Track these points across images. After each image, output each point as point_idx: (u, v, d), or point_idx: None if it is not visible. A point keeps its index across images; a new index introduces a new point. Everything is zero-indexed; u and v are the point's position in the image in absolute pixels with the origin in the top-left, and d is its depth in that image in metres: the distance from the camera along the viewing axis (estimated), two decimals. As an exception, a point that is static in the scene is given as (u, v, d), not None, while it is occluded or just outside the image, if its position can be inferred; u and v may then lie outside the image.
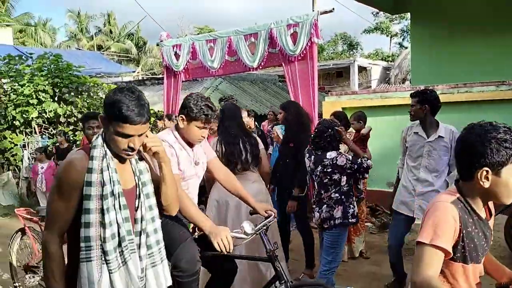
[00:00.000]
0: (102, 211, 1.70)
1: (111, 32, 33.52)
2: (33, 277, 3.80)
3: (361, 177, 3.43)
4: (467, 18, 7.81)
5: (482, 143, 1.48)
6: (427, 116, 3.40)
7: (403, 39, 30.24)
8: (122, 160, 1.83)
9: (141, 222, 1.82)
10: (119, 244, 1.74)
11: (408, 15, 10.07)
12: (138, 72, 21.68)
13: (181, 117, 2.57)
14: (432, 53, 8.48)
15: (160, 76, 16.33)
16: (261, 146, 3.77)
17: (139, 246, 1.82)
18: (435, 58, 8.36)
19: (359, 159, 3.25)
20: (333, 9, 6.56)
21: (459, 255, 1.59)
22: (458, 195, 1.60)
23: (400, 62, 18.95)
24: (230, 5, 60.33)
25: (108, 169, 1.73)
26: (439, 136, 3.37)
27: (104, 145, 1.77)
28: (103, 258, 1.70)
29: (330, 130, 3.31)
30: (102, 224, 1.70)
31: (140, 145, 1.76)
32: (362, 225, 4.82)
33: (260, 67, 7.34)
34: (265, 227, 2.60)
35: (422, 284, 1.49)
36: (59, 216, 1.72)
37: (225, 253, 2.30)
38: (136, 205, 1.83)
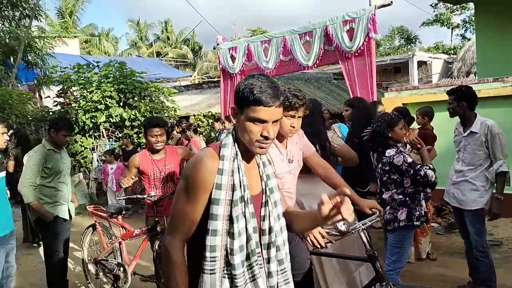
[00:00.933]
0: (230, 219, 1.52)
1: (168, 38, 34.82)
2: (102, 271, 4.08)
3: (421, 189, 3.21)
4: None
5: None
6: (465, 112, 3.52)
7: (465, 30, 28.61)
8: (249, 162, 1.62)
9: (270, 234, 1.60)
10: (247, 258, 1.54)
11: (471, 5, 9.51)
12: (194, 76, 22.36)
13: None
14: (499, 43, 7.97)
15: (216, 79, 16.72)
16: (340, 140, 3.56)
17: (268, 261, 1.61)
18: (502, 48, 7.86)
19: (419, 166, 3.07)
20: (391, 2, 6.36)
21: None
22: None
23: (463, 55, 17.93)
24: (282, 5, 60.39)
25: (239, 172, 1.54)
26: (471, 132, 3.47)
27: (235, 144, 1.58)
28: (225, 271, 1.52)
29: (385, 129, 3.15)
30: (230, 234, 1.51)
31: (274, 135, 1.53)
32: (429, 225, 4.63)
33: (315, 66, 7.30)
34: (364, 226, 2.45)
35: None
36: (184, 220, 1.54)
37: (319, 249, 2.26)
38: (262, 214, 1.62)
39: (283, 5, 60.54)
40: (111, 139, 9.59)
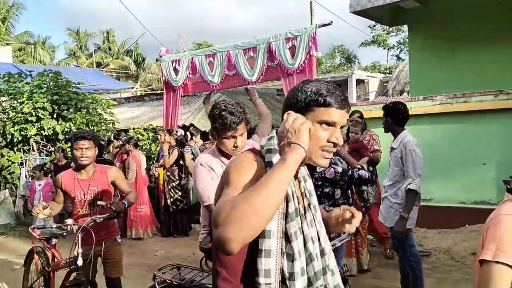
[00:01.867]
0: (285, 236, 1.29)
1: (110, 49, 33.73)
2: None
3: (359, 188, 3.37)
4: (463, 29, 7.87)
5: None
6: (393, 128, 3.56)
7: (400, 51, 30.47)
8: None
9: (323, 257, 1.38)
10: (309, 283, 1.31)
11: (405, 27, 10.14)
12: (136, 88, 21.77)
13: (211, 130, 2.44)
14: (430, 64, 8.52)
15: (159, 91, 16.37)
16: None
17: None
18: (433, 69, 8.40)
19: (350, 170, 3.21)
20: (331, 22, 6.60)
21: None
22: None
23: (397, 74, 19.03)
24: (228, 21, 61.01)
25: (292, 182, 1.33)
26: (392, 147, 3.54)
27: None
28: None
29: None
30: (287, 255, 1.28)
31: (340, 141, 1.35)
32: (365, 237, 4.77)
33: (259, 81, 7.37)
34: (333, 246, 2.33)
35: None
36: None
37: None
38: None
39: (228, 20, 61.20)
40: (42, 154, 9.00)
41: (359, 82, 19.41)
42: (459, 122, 5.87)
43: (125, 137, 7.84)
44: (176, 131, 7.44)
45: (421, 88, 8.33)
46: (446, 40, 8.27)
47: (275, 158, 1.28)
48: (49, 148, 9.02)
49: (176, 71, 8.09)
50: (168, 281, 2.57)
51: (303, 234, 1.32)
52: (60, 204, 3.26)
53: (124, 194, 3.47)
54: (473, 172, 5.51)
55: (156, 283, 2.62)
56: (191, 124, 10.05)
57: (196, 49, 29.33)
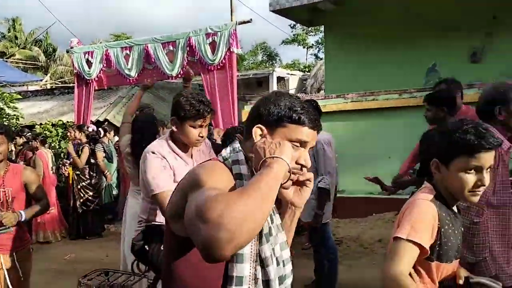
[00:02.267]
0: (260, 239, 1.19)
1: (16, 38, 30.87)
2: None
3: None
4: (375, 32, 8.40)
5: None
6: None
7: (318, 51, 31.78)
8: None
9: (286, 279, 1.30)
10: None
11: (322, 28, 10.59)
12: (46, 81, 20.20)
13: (173, 119, 2.28)
14: (344, 64, 8.98)
15: (72, 85, 15.32)
16: None
17: None
18: (346, 68, 8.86)
19: None
20: (251, 19, 6.66)
21: (435, 254, 1.58)
22: (435, 192, 1.62)
23: (315, 73, 19.83)
24: (149, 15, 59.00)
25: None
26: None
27: (247, 163, 1.26)
28: None
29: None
30: (260, 259, 1.18)
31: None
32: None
33: (180, 76, 7.22)
34: None
35: (393, 279, 1.49)
36: None
37: None
38: None
39: (148, 13, 59.19)
40: None
41: (280, 79, 19.93)
42: (368, 119, 6.26)
43: (30, 134, 7.22)
44: (87, 127, 7.01)
45: (335, 86, 8.76)
46: (358, 41, 8.77)
47: (244, 169, 1.23)
48: None
49: (89, 63, 7.64)
50: (95, 287, 2.37)
51: (276, 257, 1.22)
52: None
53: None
54: (380, 165, 5.91)
55: None
56: (106, 120, 9.56)
57: (114, 41, 27.96)
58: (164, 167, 2.23)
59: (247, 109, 7.53)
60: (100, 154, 6.63)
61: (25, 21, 31.81)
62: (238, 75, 10.26)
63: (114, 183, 7.36)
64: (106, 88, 9.26)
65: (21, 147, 6.96)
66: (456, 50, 7.75)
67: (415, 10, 7.71)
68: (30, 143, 6.74)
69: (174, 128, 2.28)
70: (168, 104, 11.86)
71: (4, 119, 8.71)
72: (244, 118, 7.29)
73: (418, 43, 7.87)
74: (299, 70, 25.90)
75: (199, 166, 1.26)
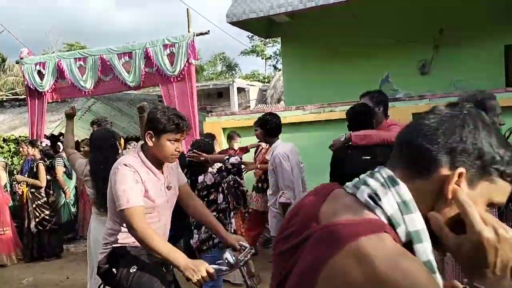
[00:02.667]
0: None
1: (-40, 46, 29.20)
2: None
3: (238, 176, 3.51)
4: (331, 45, 8.64)
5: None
6: (265, 139, 3.71)
7: (276, 62, 32.29)
8: None
9: None
10: None
11: (280, 39, 10.76)
12: (-5, 93, 19.20)
13: (149, 133, 2.21)
14: (302, 75, 9.15)
15: (23, 96, 14.65)
16: None
17: None
18: (305, 80, 9.03)
19: (222, 165, 3.34)
20: (209, 31, 6.66)
21: None
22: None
23: (275, 83, 20.10)
24: (103, 23, 57.69)
25: None
26: (267, 159, 3.76)
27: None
28: None
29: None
30: None
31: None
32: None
33: (141, 86, 7.09)
34: (245, 259, 2.29)
35: None
36: None
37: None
38: None
39: (103, 22, 57.87)
40: None
41: (240, 90, 20.04)
42: (327, 130, 6.39)
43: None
44: (41, 142, 6.70)
45: (294, 98, 8.90)
46: (315, 53, 8.98)
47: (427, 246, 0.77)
48: None
49: (41, 75, 7.35)
50: None
51: None
52: None
53: None
54: (340, 174, 6.06)
55: None
56: (60, 133, 9.20)
57: (67, 50, 27.08)
58: (136, 181, 2.15)
59: (208, 120, 7.49)
60: (60, 169, 6.36)
61: (-29, 30, 30.10)
62: (198, 86, 10.22)
63: (72, 201, 7.06)
64: (59, 100, 8.93)
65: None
66: (407, 62, 8.12)
67: (368, 22, 8.00)
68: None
69: (149, 143, 2.22)
70: (127, 116, 11.61)
71: None
72: (206, 130, 7.24)
73: (373, 54, 8.17)
74: (258, 80, 26.17)
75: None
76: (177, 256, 2.02)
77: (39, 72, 7.33)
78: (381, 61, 8.22)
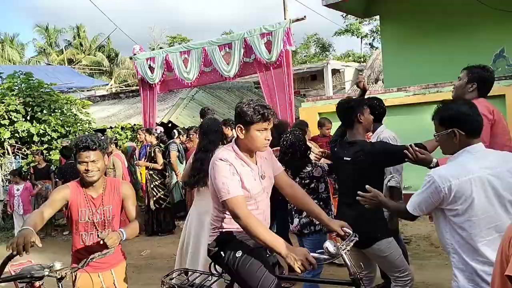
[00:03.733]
0: None
1: (81, 45, 32.94)
2: None
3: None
4: (435, 19, 8.05)
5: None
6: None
7: (373, 40, 30.82)
8: None
9: None
10: None
11: (377, 16, 10.30)
12: (111, 85, 21.42)
13: (239, 126, 2.33)
14: (403, 54, 8.69)
15: (135, 88, 16.14)
16: None
17: None
18: (406, 59, 8.57)
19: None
20: (305, 17, 6.67)
21: None
22: None
23: (372, 63, 19.29)
24: (202, 14, 60.34)
25: None
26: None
27: None
28: None
29: (299, 142, 3.41)
30: None
31: None
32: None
33: (237, 76, 7.39)
34: (348, 246, 2.28)
35: None
36: None
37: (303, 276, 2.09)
38: None
39: (201, 13, 60.51)
40: (17, 157, 8.81)
41: (335, 71, 19.61)
42: (431, 113, 6.04)
43: (103, 138, 7.74)
44: (156, 129, 7.40)
45: (394, 79, 8.51)
46: (417, 30, 8.44)
47: None
48: (24, 151, 8.83)
49: (151, 69, 8.03)
50: (177, 287, 2.47)
51: None
52: (47, 218, 2.49)
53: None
54: (447, 159, 5.72)
55: None
56: (169, 121, 10.00)
57: (170, 43, 28.98)
58: (233, 173, 2.27)
59: (304, 105, 7.52)
60: (174, 153, 6.95)
61: (88, 28, 33.66)
62: (292, 71, 10.28)
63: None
64: (167, 91, 9.68)
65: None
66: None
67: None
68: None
69: (240, 135, 2.32)
70: (226, 103, 12.17)
71: (78, 124, 9.40)
72: (301, 115, 7.31)
73: (482, 29, 7.43)
74: (354, 61, 25.32)
75: None
76: (279, 243, 2.12)
77: (150, 66, 8.02)
78: (494, 35, 7.43)
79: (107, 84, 21.35)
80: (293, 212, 3.49)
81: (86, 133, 9.02)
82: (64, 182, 6.79)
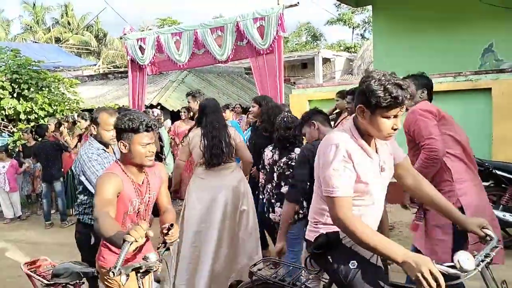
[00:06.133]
0: None
1: (69, 23, 32.31)
2: None
3: None
4: (426, 11, 8.10)
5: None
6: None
7: (364, 30, 30.92)
8: None
9: None
10: None
11: (370, 6, 10.31)
12: (99, 66, 21.11)
13: (360, 107, 1.86)
14: (394, 45, 8.75)
15: (123, 69, 15.95)
16: (240, 137, 3.86)
17: None
18: (396, 50, 8.63)
19: None
20: (298, 3, 6.63)
21: None
22: None
23: (362, 53, 19.39)
24: (193, -5, 59.40)
25: None
26: None
27: None
28: None
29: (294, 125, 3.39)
30: None
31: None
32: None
33: (229, 60, 7.36)
34: (488, 258, 1.83)
35: None
36: None
37: None
38: None
39: (193, -5, 59.60)
40: (3, 134, 8.69)
41: (325, 60, 19.66)
42: (420, 103, 6.14)
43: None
44: (152, 112, 7.35)
45: (385, 69, 8.53)
46: (408, 22, 8.49)
47: None
48: (11, 128, 8.72)
49: (142, 49, 7.93)
50: (267, 280, 2.22)
51: None
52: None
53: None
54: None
55: (252, 281, 2.28)
56: (158, 104, 9.95)
57: (160, 25, 28.61)
58: (346, 166, 1.84)
59: (294, 92, 7.56)
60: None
61: (75, 7, 33.07)
62: (283, 58, 10.28)
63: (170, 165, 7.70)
64: (157, 73, 9.60)
65: (84, 130, 7.39)
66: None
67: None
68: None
69: (360, 118, 1.88)
70: (216, 88, 12.14)
71: (66, 103, 9.29)
72: (291, 102, 7.34)
73: (473, 23, 7.52)
74: (344, 50, 25.37)
75: None
76: (394, 249, 1.72)
77: (140, 47, 7.92)
78: (483, 29, 7.53)
79: (95, 65, 21.04)
80: (272, 201, 3.47)
81: (74, 112, 8.92)
82: (38, 162, 6.81)
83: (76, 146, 7.14)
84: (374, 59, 9.97)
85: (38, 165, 7.25)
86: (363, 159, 1.89)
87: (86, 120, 7.38)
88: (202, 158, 3.69)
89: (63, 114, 8.59)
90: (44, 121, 8.44)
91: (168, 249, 2.02)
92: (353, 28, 31.36)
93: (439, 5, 7.87)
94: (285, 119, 3.44)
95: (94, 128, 2.92)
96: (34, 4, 32.25)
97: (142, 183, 2.28)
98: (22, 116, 8.58)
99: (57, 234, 6.27)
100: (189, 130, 4.14)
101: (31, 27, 31.83)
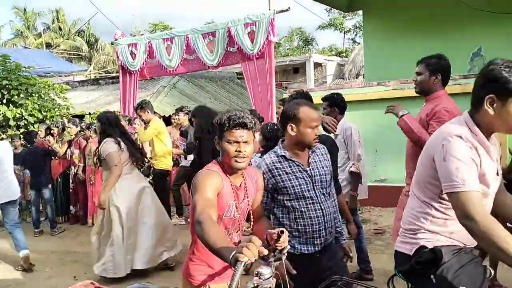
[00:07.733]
0: None
1: (60, 29, 32.12)
2: None
3: None
4: (416, 16, 8.19)
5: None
6: (337, 117, 3.86)
7: (355, 35, 31.12)
8: None
9: None
10: None
11: (361, 11, 10.40)
12: (90, 71, 21.01)
13: (491, 97, 1.62)
14: (384, 49, 8.82)
15: (115, 74, 15.89)
16: None
17: None
18: (387, 54, 8.71)
19: None
20: (289, 8, 6.68)
21: None
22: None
23: (353, 58, 19.51)
24: (185, 3, 59.52)
25: None
26: (336, 134, 3.80)
27: None
28: None
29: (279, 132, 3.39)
30: None
31: None
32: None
33: (219, 66, 7.37)
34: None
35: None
36: None
37: None
38: None
39: (185, 2, 59.74)
40: (-8, 141, 8.59)
41: (317, 65, 19.77)
42: (410, 107, 6.17)
43: (83, 123, 7.60)
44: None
45: (375, 73, 8.64)
46: (398, 27, 8.58)
47: None
48: (0, 134, 8.62)
49: (133, 55, 7.92)
50: None
51: None
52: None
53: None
54: (422, 153, 5.87)
55: None
56: (150, 109, 9.88)
57: (152, 30, 28.59)
58: (473, 159, 1.62)
59: (286, 97, 7.58)
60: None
61: (67, 13, 32.96)
62: (274, 63, 10.31)
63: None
64: (148, 78, 9.57)
65: (74, 136, 7.33)
66: (504, 34, 7.44)
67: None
68: (83, 132, 7.10)
69: (489, 110, 1.63)
70: (208, 92, 12.11)
71: (56, 109, 9.22)
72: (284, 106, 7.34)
73: (462, 27, 7.62)
74: (336, 55, 25.53)
75: None
76: None
77: (131, 53, 7.90)
78: (472, 34, 7.63)
79: (86, 70, 20.93)
80: None
81: (64, 118, 8.85)
82: (27, 169, 6.69)
83: (65, 153, 7.09)
84: (365, 63, 10.05)
85: (28, 171, 7.17)
86: (485, 159, 1.67)
87: (76, 126, 7.33)
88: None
89: (53, 120, 8.52)
90: (34, 128, 8.37)
91: (279, 258, 1.64)
92: (344, 33, 31.58)
93: (428, 10, 7.96)
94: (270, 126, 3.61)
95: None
96: (25, 9, 32.05)
97: (240, 186, 2.07)
98: (12, 123, 8.49)
99: (47, 242, 6.19)
100: None
101: (21, 32, 31.59)
